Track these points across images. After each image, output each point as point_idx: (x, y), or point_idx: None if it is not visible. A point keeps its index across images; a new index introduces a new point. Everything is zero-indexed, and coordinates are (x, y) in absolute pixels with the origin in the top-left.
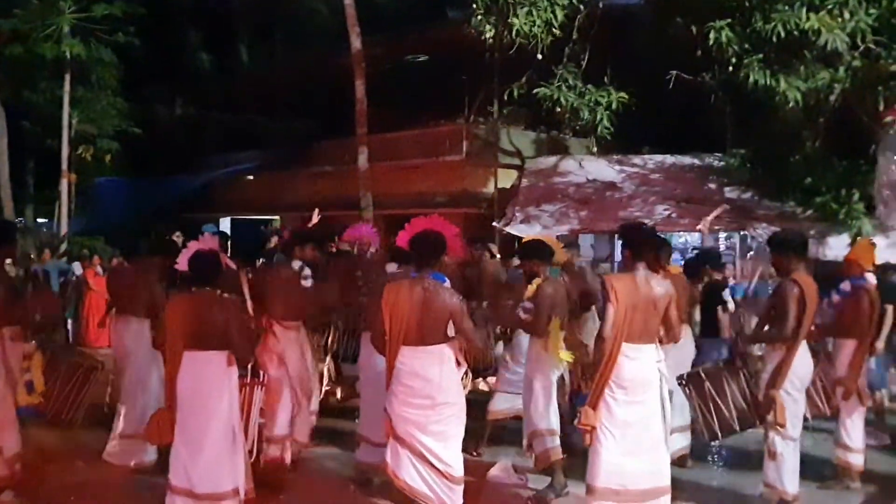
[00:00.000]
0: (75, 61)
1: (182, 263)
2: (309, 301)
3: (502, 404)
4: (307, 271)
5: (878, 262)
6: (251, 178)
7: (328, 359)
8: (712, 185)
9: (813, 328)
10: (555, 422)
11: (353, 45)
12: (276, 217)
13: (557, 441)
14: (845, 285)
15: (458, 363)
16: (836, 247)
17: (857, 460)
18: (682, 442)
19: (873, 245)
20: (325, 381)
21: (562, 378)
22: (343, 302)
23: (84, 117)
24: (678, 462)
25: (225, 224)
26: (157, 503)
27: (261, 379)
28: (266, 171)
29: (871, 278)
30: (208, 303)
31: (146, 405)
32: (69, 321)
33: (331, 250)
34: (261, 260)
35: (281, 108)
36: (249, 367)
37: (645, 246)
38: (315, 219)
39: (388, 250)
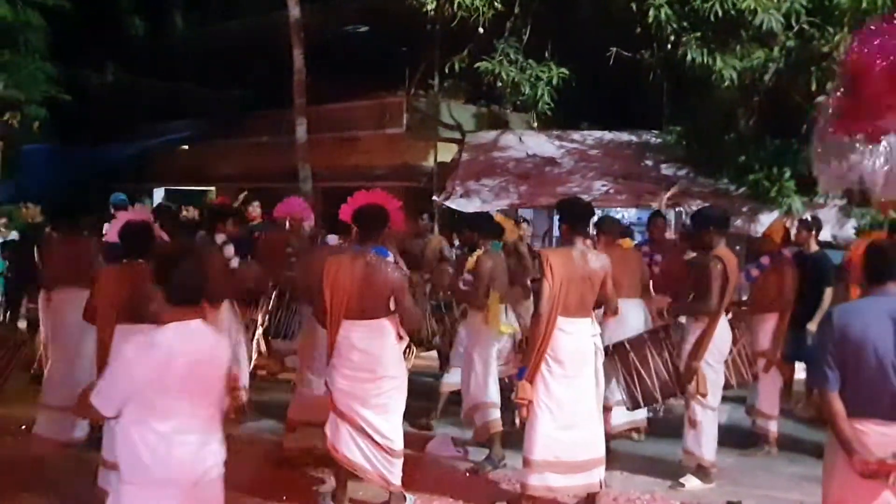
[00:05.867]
0: (1, 24)
1: (112, 234)
2: (233, 281)
3: (456, 377)
4: (230, 249)
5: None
6: (186, 147)
7: (258, 334)
8: (649, 162)
9: (735, 305)
10: (494, 394)
11: (292, 14)
12: (212, 188)
13: (497, 413)
14: (764, 259)
15: (400, 337)
16: (767, 223)
17: (774, 427)
18: (627, 416)
19: (786, 224)
20: (255, 356)
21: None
22: (273, 277)
23: (10, 83)
24: (625, 435)
25: (159, 195)
26: (90, 479)
27: None
28: (201, 141)
29: (787, 253)
30: (140, 275)
31: (77, 379)
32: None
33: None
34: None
35: (217, 77)
36: None
37: (582, 220)
38: (241, 198)
39: (327, 222)
